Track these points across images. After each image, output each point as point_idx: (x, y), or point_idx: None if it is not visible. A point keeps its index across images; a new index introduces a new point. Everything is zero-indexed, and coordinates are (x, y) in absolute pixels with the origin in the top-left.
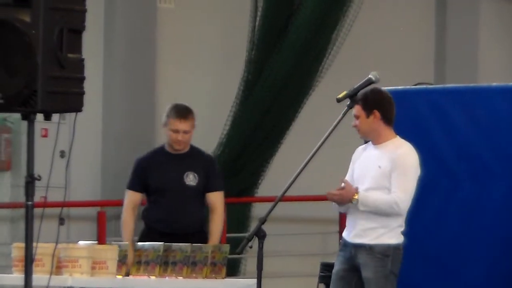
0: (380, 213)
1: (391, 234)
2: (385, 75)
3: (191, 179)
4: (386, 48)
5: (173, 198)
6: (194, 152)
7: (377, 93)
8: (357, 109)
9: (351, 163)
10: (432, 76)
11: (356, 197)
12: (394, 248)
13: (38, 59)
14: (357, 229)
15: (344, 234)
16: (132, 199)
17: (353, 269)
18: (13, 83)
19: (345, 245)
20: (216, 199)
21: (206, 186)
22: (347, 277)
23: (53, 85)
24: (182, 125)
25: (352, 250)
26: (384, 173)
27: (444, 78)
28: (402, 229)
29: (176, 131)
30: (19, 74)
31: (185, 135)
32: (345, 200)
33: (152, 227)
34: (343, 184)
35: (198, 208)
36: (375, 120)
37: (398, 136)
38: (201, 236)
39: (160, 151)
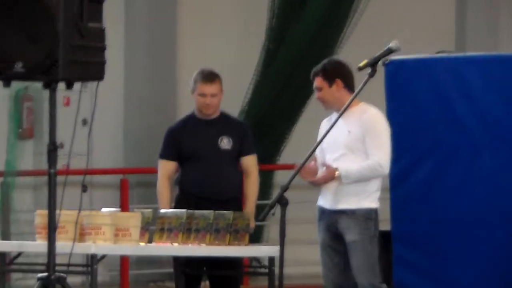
0: (366, 179)
1: (371, 199)
2: (405, 43)
3: (225, 143)
4: (407, 16)
5: (209, 162)
6: (226, 118)
7: (336, 62)
8: (318, 81)
9: (318, 136)
10: (453, 44)
11: (337, 174)
12: (375, 212)
13: (59, 27)
14: (336, 196)
15: (320, 203)
16: (166, 168)
17: (336, 237)
18: (35, 51)
19: (323, 212)
20: (251, 163)
21: (240, 150)
22: (334, 244)
23: (74, 54)
24: (209, 89)
25: (333, 217)
26: (356, 136)
27: (464, 47)
28: (379, 193)
29: (204, 95)
30: (40, 42)
31: (213, 98)
32: (329, 181)
33: (188, 192)
34: (312, 163)
35: (234, 172)
36: (338, 89)
37: (362, 102)
38: (237, 203)
39: (191, 118)
